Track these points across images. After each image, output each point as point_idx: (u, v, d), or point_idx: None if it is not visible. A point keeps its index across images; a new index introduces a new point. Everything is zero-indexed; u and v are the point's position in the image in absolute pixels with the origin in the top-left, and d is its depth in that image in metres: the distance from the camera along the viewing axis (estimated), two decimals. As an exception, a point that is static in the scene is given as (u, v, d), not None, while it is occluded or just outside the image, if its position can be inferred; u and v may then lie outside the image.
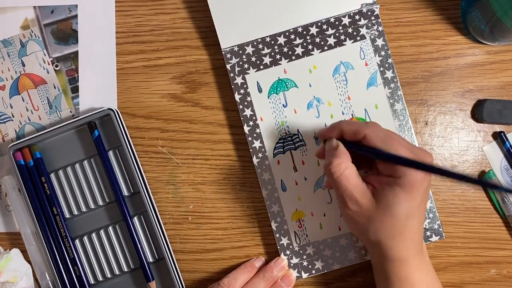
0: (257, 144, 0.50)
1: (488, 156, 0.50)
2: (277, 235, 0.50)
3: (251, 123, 0.50)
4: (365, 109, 0.50)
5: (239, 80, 0.50)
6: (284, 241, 0.50)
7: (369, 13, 0.49)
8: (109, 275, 0.50)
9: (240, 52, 0.50)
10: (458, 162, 0.50)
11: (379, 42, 0.49)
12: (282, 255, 0.50)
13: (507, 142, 0.50)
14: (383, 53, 0.49)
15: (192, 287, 0.52)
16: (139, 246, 0.50)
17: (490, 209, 0.50)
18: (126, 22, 0.53)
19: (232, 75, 0.50)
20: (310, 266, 0.49)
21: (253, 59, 0.50)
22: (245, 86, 0.50)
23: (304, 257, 0.50)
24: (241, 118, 0.50)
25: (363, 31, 0.50)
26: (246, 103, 0.50)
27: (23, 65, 0.53)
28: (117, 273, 0.50)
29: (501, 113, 0.49)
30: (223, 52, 0.50)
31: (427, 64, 0.51)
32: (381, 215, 0.40)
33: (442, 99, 0.51)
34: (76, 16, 0.53)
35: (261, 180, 0.50)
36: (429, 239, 0.49)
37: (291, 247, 0.50)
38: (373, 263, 0.45)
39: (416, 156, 0.40)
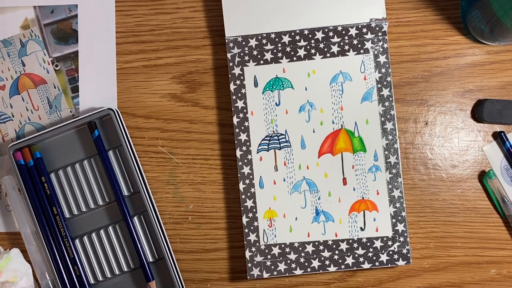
0: (243, 137, 0.50)
1: (488, 156, 0.50)
2: (246, 230, 0.49)
3: (241, 115, 0.50)
4: (355, 122, 0.49)
5: (237, 70, 0.50)
6: (252, 237, 0.49)
7: (377, 28, 0.49)
8: (109, 275, 0.50)
9: (243, 43, 0.50)
10: (458, 162, 0.50)
11: (382, 58, 0.49)
12: (247, 251, 0.49)
13: (507, 142, 0.50)
14: (383, 70, 0.49)
15: (192, 287, 0.52)
16: (139, 246, 0.50)
17: (490, 209, 0.50)
18: (126, 22, 0.53)
19: (231, 64, 0.50)
20: (272, 267, 0.49)
21: (255, 52, 0.50)
22: (242, 77, 0.50)
23: (269, 257, 0.49)
24: (232, 109, 0.50)
25: (368, 45, 0.49)
26: (239, 95, 0.50)
27: (23, 65, 0.53)
28: (117, 273, 0.50)
29: (501, 113, 0.49)
30: (226, 40, 0.50)
31: (427, 64, 0.51)
32: None
33: (442, 99, 0.51)
34: (76, 16, 0.53)
35: (240, 173, 0.50)
36: (395, 262, 0.48)
37: (257, 244, 0.49)
38: None
39: None
